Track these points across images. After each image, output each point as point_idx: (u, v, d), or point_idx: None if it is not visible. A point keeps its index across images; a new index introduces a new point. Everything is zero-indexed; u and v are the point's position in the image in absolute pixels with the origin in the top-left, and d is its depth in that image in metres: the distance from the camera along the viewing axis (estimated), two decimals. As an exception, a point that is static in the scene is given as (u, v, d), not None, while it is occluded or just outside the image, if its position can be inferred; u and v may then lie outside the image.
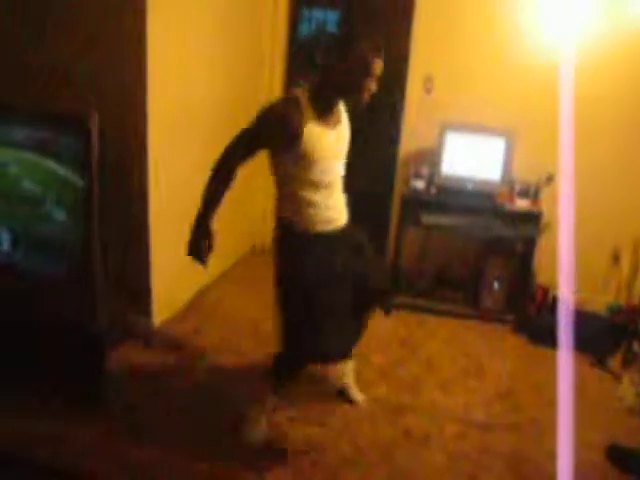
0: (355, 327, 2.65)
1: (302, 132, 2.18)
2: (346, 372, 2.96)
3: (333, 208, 2.42)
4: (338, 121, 2.38)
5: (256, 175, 4.70)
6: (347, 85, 2.25)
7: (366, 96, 2.28)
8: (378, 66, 2.23)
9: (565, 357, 3.09)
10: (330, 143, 2.30)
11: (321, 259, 2.36)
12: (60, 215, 2.56)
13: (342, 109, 2.44)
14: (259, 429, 2.64)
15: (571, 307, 3.49)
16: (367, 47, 2.20)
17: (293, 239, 2.40)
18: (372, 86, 2.26)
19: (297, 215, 2.36)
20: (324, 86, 2.27)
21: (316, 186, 2.32)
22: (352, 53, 2.21)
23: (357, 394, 2.96)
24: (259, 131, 2.28)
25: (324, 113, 2.28)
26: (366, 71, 2.21)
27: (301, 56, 4.67)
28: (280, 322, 2.44)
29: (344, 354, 2.72)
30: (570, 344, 3.02)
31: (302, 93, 2.25)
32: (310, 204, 2.34)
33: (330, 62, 2.27)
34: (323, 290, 2.34)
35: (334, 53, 2.27)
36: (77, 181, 2.47)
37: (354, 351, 2.81)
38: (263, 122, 2.26)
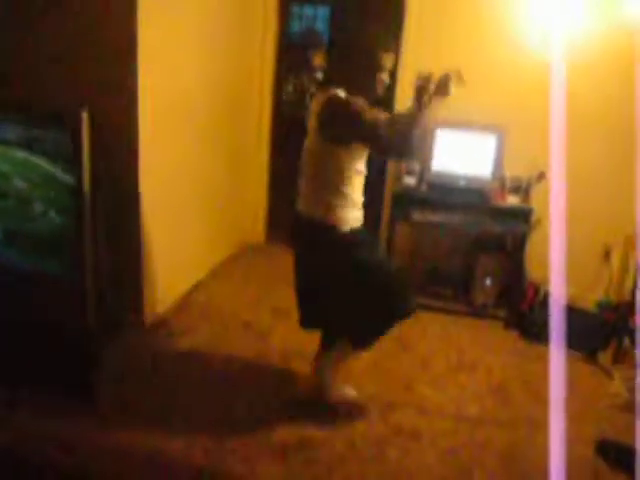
0: None
1: None
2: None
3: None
4: None
5: (247, 172, 4.72)
6: (362, 82, 2.40)
7: (380, 88, 2.45)
8: (389, 59, 2.40)
9: (556, 353, 3.10)
10: None
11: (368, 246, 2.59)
12: (51, 213, 2.55)
13: None
14: (342, 388, 2.87)
15: (562, 303, 3.50)
16: (374, 43, 2.37)
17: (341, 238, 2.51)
18: (385, 78, 2.43)
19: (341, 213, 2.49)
20: (343, 85, 2.41)
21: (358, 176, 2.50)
22: (359, 51, 2.38)
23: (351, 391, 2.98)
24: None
25: None
26: (378, 66, 2.38)
27: (292, 54, 4.66)
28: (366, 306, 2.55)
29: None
30: (561, 340, 3.03)
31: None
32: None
33: (333, 64, 2.41)
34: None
35: (335, 54, 2.39)
36: (67, 179, 2.45)
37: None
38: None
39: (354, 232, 2.52)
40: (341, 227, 2.48)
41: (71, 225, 2.50)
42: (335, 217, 2.47)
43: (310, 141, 2.49)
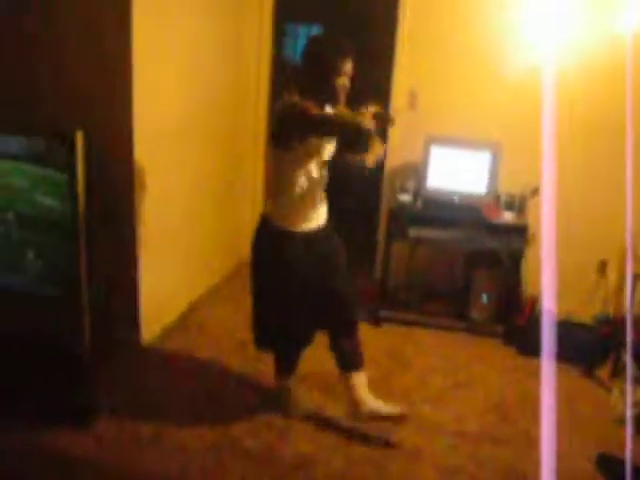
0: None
1: None
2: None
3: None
4: None
5: (243, 191, 4.73)
6: (316, 87, 2.43)
7: (339, 94, 2.45)
8: (347, 65, 2.40)
9: (553, 368, 3.09)
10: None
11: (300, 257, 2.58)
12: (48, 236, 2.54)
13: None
14: (297, 403, 2.94)
15: (557, 319, 3.49)
16: (330, 49, 2.40)
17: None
18: (344, 83, 2.43)
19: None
20: (304, 92, 2.43)
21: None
22: (311, 56, 2.44)
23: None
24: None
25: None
26: (332, 71, 2.39)
27: (286, 74, 4.69)
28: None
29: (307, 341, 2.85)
30: (558, 355, 3.03)
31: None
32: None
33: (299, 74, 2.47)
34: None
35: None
36: (61, 203, 2.45)
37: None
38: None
39: (291, 233, 2.56)
40: (282, 225, 2.56)
41: (68, 248, 2.49)
42: (278, 215, 2.57)
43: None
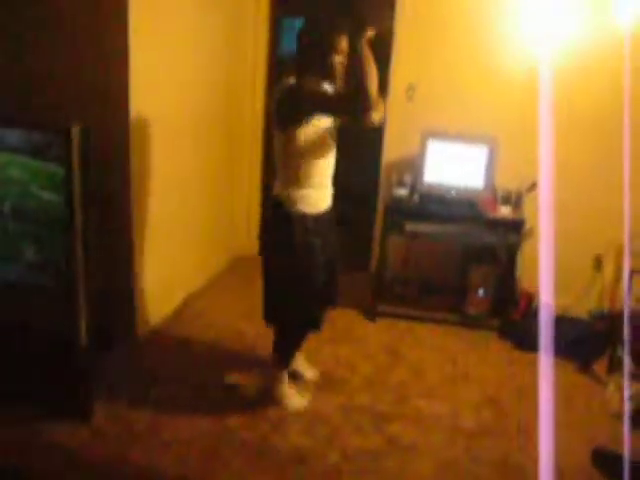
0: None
1: None
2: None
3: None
4: None
5: (240, 185, 4.72)
6: (313, 64, 2.44)
7: (337, 71, 2.45)
8: (343, 41, 2.40)
9: (549, 363, 3.10)
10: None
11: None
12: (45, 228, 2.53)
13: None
14: (296, 397, 2.94)
15: (554, 313, 3.50)
16: (325, 27, 2.42)
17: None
18: (340, 60, 2.43)
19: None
20: (302, 72, 2.47)
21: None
22: (306, 33, 2.46)
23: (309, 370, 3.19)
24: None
25: None
26: (328, 47, 2.39)
27: (283, 68, 4.67)
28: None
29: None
30: (554, 350, 3.03)
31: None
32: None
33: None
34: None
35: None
36: (58, 195, 2.43)
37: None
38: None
39: (306, 215, 2.58)
40: (292, 205, 2.57)
41: (64, 240, 2.48)
42: (287, 195, 2.57)
43: (272, 128, 2.60)
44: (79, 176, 2.37)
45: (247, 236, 4.87)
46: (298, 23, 5.24)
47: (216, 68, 4.01)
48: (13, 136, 2.44)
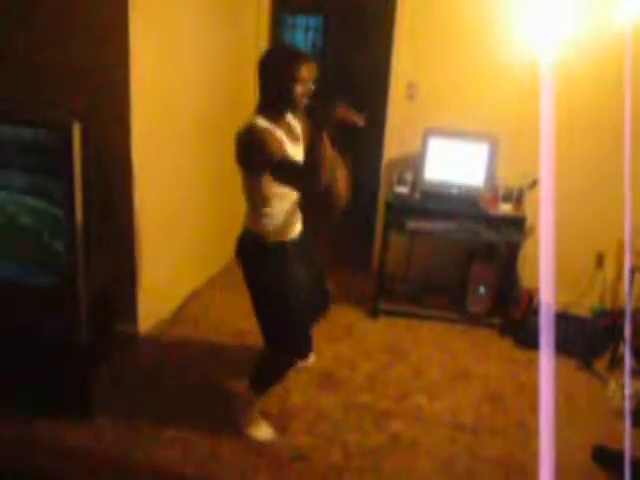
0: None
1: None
2: None
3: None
4: (297, 138, 2.50)
5: (239, 182, 4.71)
6: (273, 96, 2.36)
7: (299, 100, 2.33)
8: (304, 71, 2.29)
9: (550, 360, 3.09)
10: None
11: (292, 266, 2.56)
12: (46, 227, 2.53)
13: (296, 124, 2.54)
14: (264, 428, 2.71)
15: (555, 310, 3.49)
16: (284, 58, 2.30)
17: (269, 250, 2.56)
18: (302, 90, 2.31)
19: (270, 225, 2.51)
20: (265, 104, 2.39)
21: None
22: (268, 68, 2.33)
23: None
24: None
25: (280, 123, 2.40)
26: (288, 78, 2.28)
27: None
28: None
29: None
30: (555, 348, 3.03)
31: (260, 118, 2.35)
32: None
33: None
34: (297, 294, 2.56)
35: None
36: (57, 196, 2.44)
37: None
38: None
39: (280, 244, 2.54)
40: (264, 237, 2.53)
41: (65, 237, 2.48)
42: (258, 227, 2.53)
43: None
44: (80, 173, 2.37)
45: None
46: (299, 20, 5.25)
47: (218, 67, 4.00)
48: (13, 134, 2.45)
